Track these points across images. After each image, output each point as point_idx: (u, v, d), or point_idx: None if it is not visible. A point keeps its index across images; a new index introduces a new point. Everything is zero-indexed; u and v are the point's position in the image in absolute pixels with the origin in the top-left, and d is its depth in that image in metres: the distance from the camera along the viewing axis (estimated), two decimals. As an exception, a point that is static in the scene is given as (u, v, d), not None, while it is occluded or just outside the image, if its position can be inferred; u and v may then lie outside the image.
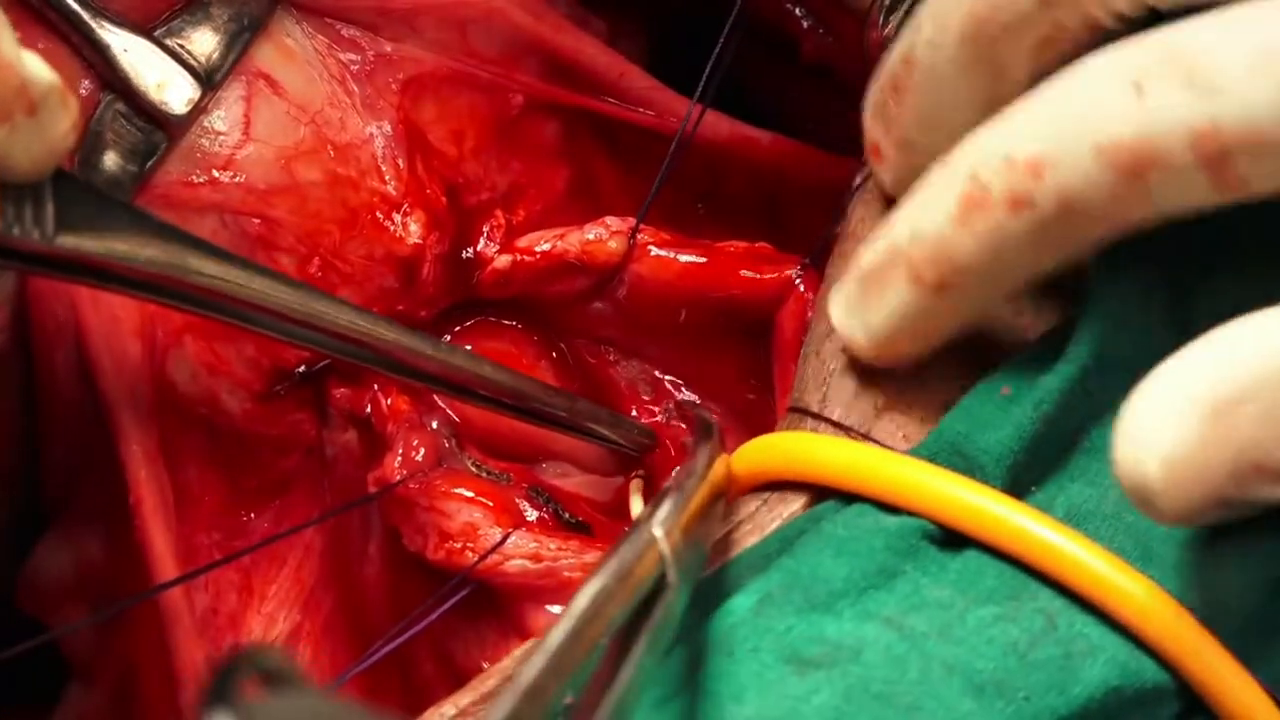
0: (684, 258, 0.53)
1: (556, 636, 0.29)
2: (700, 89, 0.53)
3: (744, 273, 0.53)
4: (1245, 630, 0.35)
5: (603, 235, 0.53)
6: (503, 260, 0.52)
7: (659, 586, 0.33)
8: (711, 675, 0.35)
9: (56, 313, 0.49)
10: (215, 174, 0.48)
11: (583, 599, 0.30)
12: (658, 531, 0.34)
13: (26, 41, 0.46)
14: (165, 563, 0.48)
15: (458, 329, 0.55)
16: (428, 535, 0.49)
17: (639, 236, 0.53)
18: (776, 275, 0.53)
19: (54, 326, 0.49)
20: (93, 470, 0.51)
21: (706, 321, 0.55)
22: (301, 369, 0.51)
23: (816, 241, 0.52)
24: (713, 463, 0.39)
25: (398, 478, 0.49)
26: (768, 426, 0.52)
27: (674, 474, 0.39)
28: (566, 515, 0.51)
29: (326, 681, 0.50)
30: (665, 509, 0.35)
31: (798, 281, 0.53)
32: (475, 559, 0.47)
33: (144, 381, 0.49)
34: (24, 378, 0.50)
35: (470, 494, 0.49)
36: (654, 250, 0.53)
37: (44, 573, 0.52)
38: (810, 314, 0.51)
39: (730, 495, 0.41)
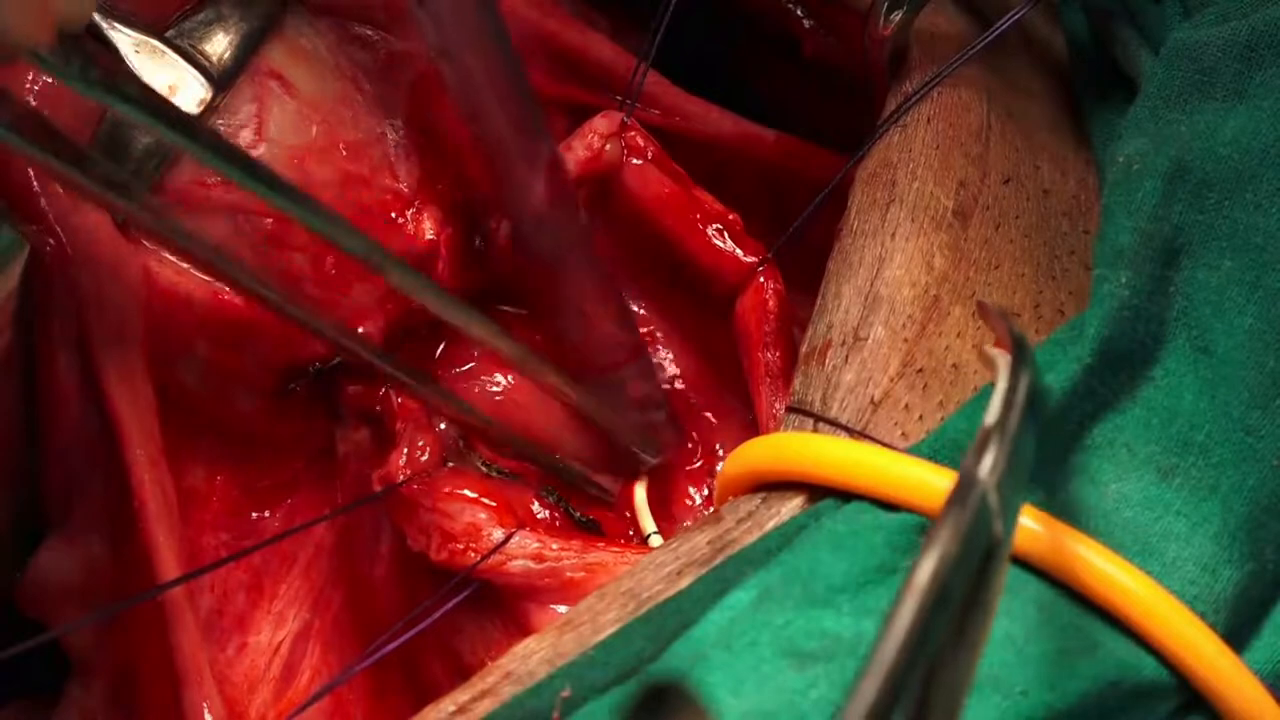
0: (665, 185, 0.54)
1: (905, 616, 0.25)
2: (651, 44, 0.53)
3: (710, 228, 0.53)
4: (1240, 622, 0.35)
5: (594, 144, 0.53)
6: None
7: (990, 547, 0.28)
8: (709, 668, 0.34)
9: (60, 314, 0.48)
10: (228, 174, 0.49)
11: (924, 571, 0.26)
12: (989, 481, 0.28)
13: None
14: (169, 566, 0.47)
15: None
16: (431, 536, 0.49)
17: (627, 134, 0.53)
18: (734, 253, 0.53)
19: (58, 328, 0.49)
20: (96, 474, 0.50)
21: (678, 271, 0.55)
22: (315, 366, 0.51)
23: (784, 238, 0.52)
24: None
25: (402, 477, 0.49)
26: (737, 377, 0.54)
27: (990, 410, 0.31)
28: (577, 514, 0.51)
29: (331, 680, 0.51)
30: (990, 456, 0.29)
31: (759, 274, 0.53)
32: (478, 559, 0.47)
33: (149, 384, 0.48)
34: (26, 379, 0.50)
35: (474, 495, 0.49)
36: (637, 160, 0.53)
37: (46, 576, 0.51)
38: (771, 308, 0.52)
39: (729, 495, 0.41)
